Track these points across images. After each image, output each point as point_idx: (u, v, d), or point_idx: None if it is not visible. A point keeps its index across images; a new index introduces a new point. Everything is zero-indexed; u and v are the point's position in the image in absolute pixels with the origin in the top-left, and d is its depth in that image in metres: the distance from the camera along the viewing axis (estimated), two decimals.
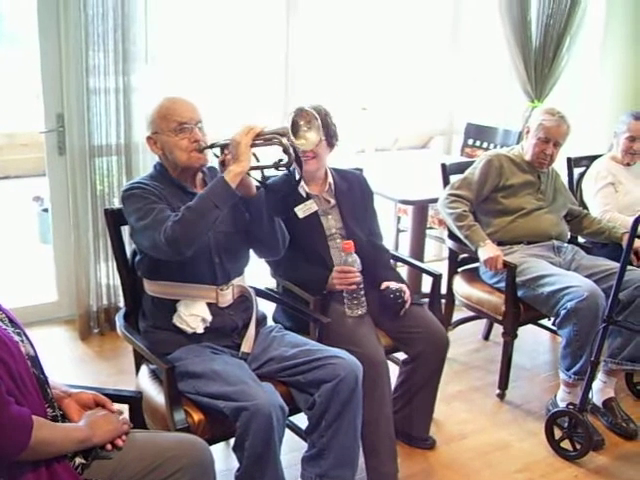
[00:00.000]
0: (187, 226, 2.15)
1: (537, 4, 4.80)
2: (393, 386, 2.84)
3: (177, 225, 2.15)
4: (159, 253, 2.22)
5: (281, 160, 2.25)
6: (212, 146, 2.36)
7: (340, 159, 3.33)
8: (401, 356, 2.96)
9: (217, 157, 2.36)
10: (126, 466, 1.81)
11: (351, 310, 2.70)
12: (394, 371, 2.83)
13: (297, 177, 2.56)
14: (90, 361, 3.67)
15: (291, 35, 4.25)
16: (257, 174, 2.37)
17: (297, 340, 2.48)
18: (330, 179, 2.95)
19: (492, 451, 3.02)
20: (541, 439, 3.05)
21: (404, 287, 2.81)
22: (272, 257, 2.72)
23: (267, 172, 2.40)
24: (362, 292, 2.70)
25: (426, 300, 3.10)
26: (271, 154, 2.32)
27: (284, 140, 2.18)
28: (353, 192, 2.99)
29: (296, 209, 2.84)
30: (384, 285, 2.80)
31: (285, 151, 2.21)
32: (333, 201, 2.94)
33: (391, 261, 3.12)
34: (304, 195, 2.88)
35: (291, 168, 2.31)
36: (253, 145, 2.22)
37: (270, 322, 2.65)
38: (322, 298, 2.75)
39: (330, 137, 2.87)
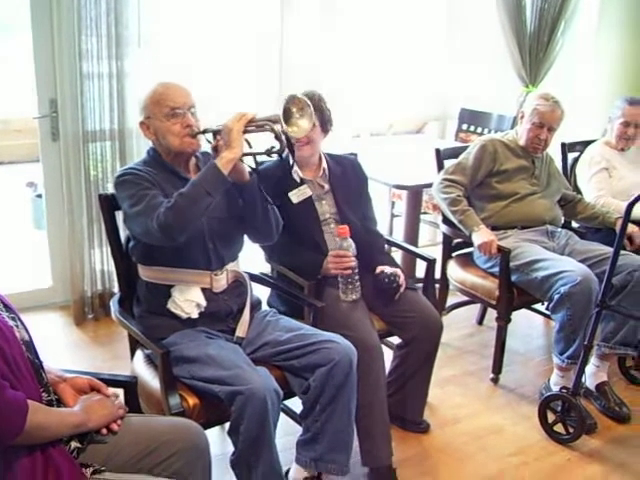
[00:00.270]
0: (180, 212, 2.15)
1: None
2: (387, 370, 2.85)
3: (170, 212, 2.15)
4: (152, 239, 2.22)
5: (273, 147, 2.25)
6: (204, 131, 2.35)
7: (335, 144, 3.32)
8: (395, 340, 2.97)
9: (210, 143, 2.36)
10: (121, 450, 1.82)
11: (345, 295, 2.71)
12: (388, 356, 2.84)
13: (290, 163, 2.56)
14: (85, 346, 3.67)
15: (286, 19, 4.23)
16: (250, 160, 2.36)
17: (291, 324, 2.48)
18: (324, 164, 2.95)
19: (486, 435, 3.04)
20: (534, 423, 3.07)
21: (398, 271, 2.81)
22: (266, 242, 2.72)
23: (260, 158, 2.39)
24: (357, 277, 2.71)
25: (420, 285, 3.11)
26: (264, 140, 2.31)
27: (276, 127, 2.17)
28: (347, 177, 2.99)
29: (290, 194, 2.84)
30: (379, 269, 2.81)
31: (277, 138, 2.20)
32: (327, 186, 2.93)
33: (385, 246, 3.12)
34: (298, 180, 2.88)
35: (283, 155, 2.30)
36: (245, 132, 2.22)
37: (265, 307, 2.65)
38: (316, 283, 2.76)
39: (324, 123, 2.86)
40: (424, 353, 2.86)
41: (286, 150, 2.23)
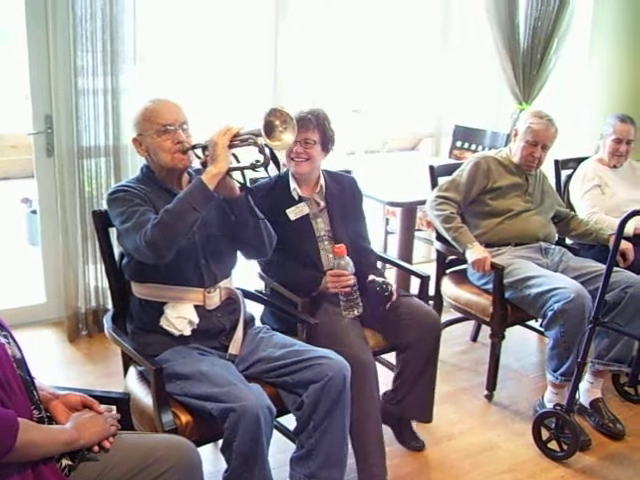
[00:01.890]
0: (166, 229, 2.15)
1: (525, 7, 4.83)
2: (392, 377, 2.90)
3: (156, 228, 2.15)
4: (141, 256, 2.22)
5: (258, 161, 2.24)
6: (194, 147, 2.36)
7: (330, 160, 3.33)
8: (391, 358, 2.97)
9: (199, 158, 2.36)
10: (113, 468, 1.81)
11: (347, 311, 2.70)
12: (382, 374, 2.83)
13: (279, 174, 2.54)
14: (78, 363, 3.66)
15: (280, 36, 4.26)
16: (239, 175, 2.36)
17: (285, 341, 2.48)
18: (322, 181, 2.95)
19: (480, 452, 3.03)
20: (529, 440, 3.06)
21: (389, 280, 2.82)
22: (259, 258, 2.73)
23: (255, 174, 2.40)
24: (357, 293, 2.70)
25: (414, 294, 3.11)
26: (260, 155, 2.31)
27: (259, 140, 2.17)
28: (344, 195, 3.00)
29: (288, 211, 2.85)
30: (370, 277, 2.82)
31: (261, 152, 2.20)
32: (323, 204, 2.94)
33: (379, 263, 3.13)
34: (296, 198, 2.89)
35: (269, 168, 2.30)
36: (231, 146, 2.22)
37: (258, 323, 2.65)
38: (310, 300, 2.76)
39: (326, 142, 2.88)
40: (426, 353, 2.86)
41: (270, 164, 2.23)
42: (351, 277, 2.68)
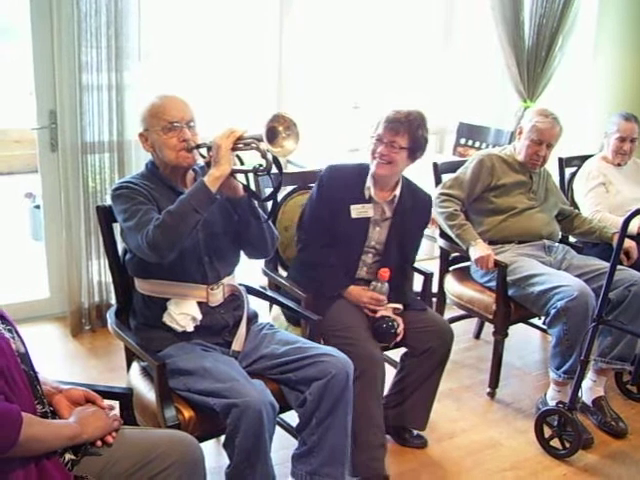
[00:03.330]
0: (167, 230, 2.15)
1: (530, 4, 4.81)
2: (393, 381, 2.89)
3: (158, 229, 2.15)
4: (143, 255, 2.22)
5: (261, 165, 2.22)
6: (199, 146, 2.35)
7: (333, 157, 3.32)
8: (394, 356, 2.97)
9: (203, 158, 2.36)
10: (116, 462, 1.81)
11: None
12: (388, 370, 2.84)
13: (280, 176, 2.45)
14: (81, 358, 3.66)
15: (284, 33, 4.26)
16: (242, 177, 2.35)
17: (288, 338, 2.49)
18: (397, 191, 2.86)
19: (482, 449, 3.03)
20: (531, 437, 3.06)
21: (399, 320, 2.78)
22: (261, 258, 2.72)
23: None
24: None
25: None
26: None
27: (262, 146, 2.16)
28: (414, 212, 2.92)
29: (352, 207, 2.80)
30: (379, 314, 2.77)
31: (263, 157, 2.19)
32: (389, 213, 2.87)
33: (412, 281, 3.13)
34: (366, 197, 2.83)
35: (271, 174, 2.29)
36: (235, 149, 2.21)
37: (261, 320, 2.65)
38: (314, 296, 2.76)
39: (414, 149, 2.77)
40: (437, 362, 2.86)
41: (272, 168, 2.21)
42: (384, 304, 2.74)
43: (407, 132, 2.73)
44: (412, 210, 2.91)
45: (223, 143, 2.19)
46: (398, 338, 2.77)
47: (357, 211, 2.81)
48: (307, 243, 2.87)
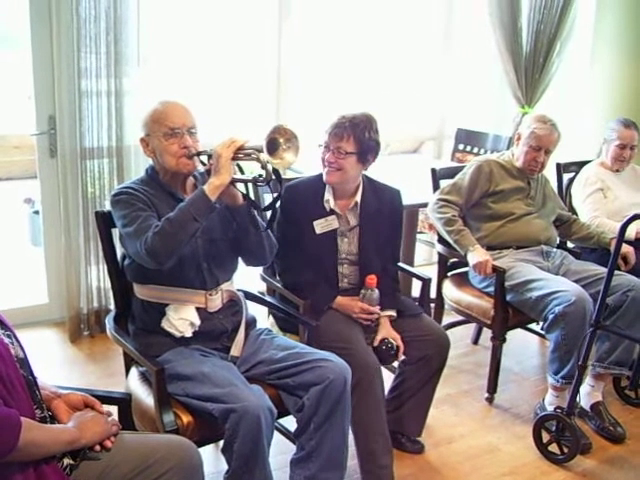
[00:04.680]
0: (166, 238, 2.16)
1: (528, 10, 4.83)
2: (389, 387, 2.88)
3: (156, 237, 2.16)
4: (142, 261, 2.23)
5: (261, 175, 2.23)
6: (199, 154, 2.36)
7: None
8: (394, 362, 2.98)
9: (204, 165, 2.37)
10: (115, 467, 1.81)
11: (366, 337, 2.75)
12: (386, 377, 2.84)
13: (280, 188, 2.44)
14: (80, 363, 3.66)
15: (283, 38, 4.27)
16: (241, 185, 2.36)
17: (286, 343, 2.49)
18: (358, 197, 2.83)
19: (480, 454, 3.03)
20: (529, 443, 3.07)
21: (398, 339, 2.77)
22: (259, 265, 2.73)
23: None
24: (375, 322, 2.78)
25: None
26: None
27: (262, 157, 2.16)
28: (381, 212, 2.87)
29: (315, 223, 2.77)
30: (379, 337, 2.76)
31: (263, 167, 2.20)
32: (355, 222, 2.84)
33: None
34: (327, 210, 2.79)
35: (271, 184, 2.30)
36: (235, 158, 2.22)
37: (260, 325, 2.66)
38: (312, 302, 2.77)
39: (362, 152, 2.71)
40: (433, 369, 2.87)
41: (272, 178, 2.22)
42: (377, 312, 2.74)
43: (352, 136, 2.67)
44: (379, 213, 2.86)
45: (224, 152, 2.20)
46: (400, 357, 2.78)
47: (321, 226, 2.77)
48: (284, 268, 2.87)
